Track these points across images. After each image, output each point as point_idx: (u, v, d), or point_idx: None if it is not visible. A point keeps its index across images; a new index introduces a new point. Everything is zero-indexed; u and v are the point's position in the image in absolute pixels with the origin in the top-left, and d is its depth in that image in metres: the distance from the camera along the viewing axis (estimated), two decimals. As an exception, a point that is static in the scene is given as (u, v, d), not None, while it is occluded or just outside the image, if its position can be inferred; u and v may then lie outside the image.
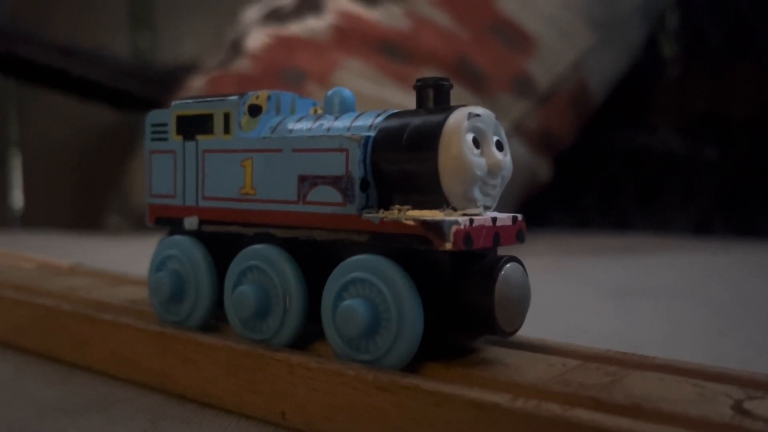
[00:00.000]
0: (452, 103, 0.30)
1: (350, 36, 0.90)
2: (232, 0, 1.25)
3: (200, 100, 0.34)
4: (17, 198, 1.66)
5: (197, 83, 1.00)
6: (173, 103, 0.34)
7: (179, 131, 0.34)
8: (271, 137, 0.31)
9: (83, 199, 1.53)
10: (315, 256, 0.29)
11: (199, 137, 0.33)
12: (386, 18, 0.91)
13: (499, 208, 0.29)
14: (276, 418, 0.28)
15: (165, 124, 0.34)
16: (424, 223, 0.26)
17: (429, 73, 0.87)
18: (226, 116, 0.32)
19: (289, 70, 0.91)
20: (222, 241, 0.32)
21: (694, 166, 1.08)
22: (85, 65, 1.21)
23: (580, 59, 0.93)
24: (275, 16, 0.99)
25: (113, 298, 0.39)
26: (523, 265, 0.28)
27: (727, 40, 1.08)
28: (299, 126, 0.31)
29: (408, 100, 0.88)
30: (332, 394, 0.27)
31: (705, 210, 1.06)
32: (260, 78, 0.92)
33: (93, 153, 1.57)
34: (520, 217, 0.29)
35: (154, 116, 0.35)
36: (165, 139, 0.34)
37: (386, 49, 0.89)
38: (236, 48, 0.99)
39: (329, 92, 0.32)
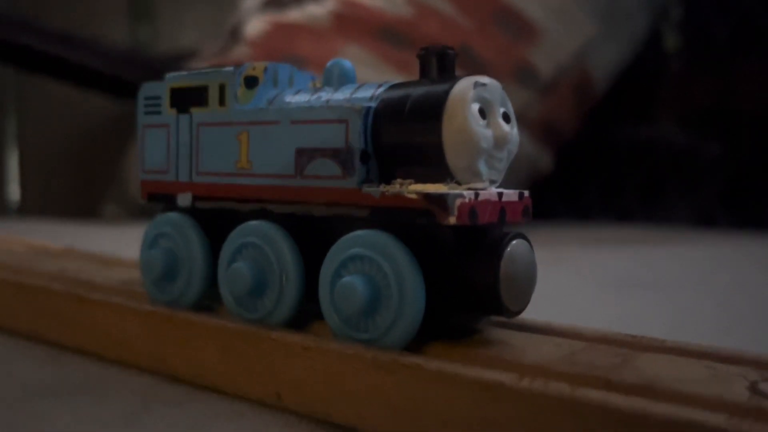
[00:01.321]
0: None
1: (351, 23, 0.89)
2: (233, -11, 1.24)
3: (195, 72, 0.32)
4: (14, 189, 1.65)
5: (196, 71, 1.00)
6: (167, 75, 0.33)
7: (173, 104, 0.33)
8: (268, 109, 0.30)
9: (81, 189, 1.52)
10: (313, 233, 0.28)
11: (194, 110, 0.32)
12: (388, 5, 0.90)
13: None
14: (271, 399, 0.27)
15: (158, 97, 0.33)
16: (428, 197, 0.25)
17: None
18: (222, 88, 0.31)
19: (289, 57, 0.90)
20: (216, 218, 0.31)
21: (697, 159, 1.07)
22: (84, 53, 1.20)
23: (583, 50, 0.92)
24: (275, 2, 0.98)
25: (105, 278, 0.38)
26: (529, 242, 0.26)
27: (732, 34, 1.07)
28: (297, 98, 0.30)
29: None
30: (330, 374, 0.26)
31: (708, 203, 1.05)
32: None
33: (91, 143, 1.56)
34: (526, 193, 0.28)
35: (147, 89, 0.34)
36: (158, 113, 0.33)
37: (387, 37, 0.88)
38: (235, 35, 0.98)
39: (328, 63, 0.31)
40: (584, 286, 0.59)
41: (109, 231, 0.85)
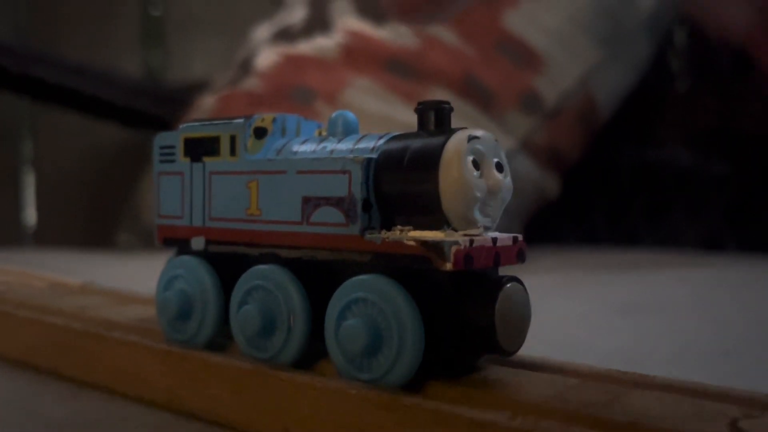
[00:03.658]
0: (459, 122, 0.30)
1: (359, 54, 0.91)
2: (243, 20, 1.27)
3: (207, 122, 0.34)
4: (30, 215, 1.68)
5: (207, 102, 1.02)
6: (180, 126, 0.35)
7: (187, 153, 0.34)
8: (276, 159, 0.32)
9: (95, 217, 1.54)
10: (318, 276, 0.30)
11: (206, 159, 0.34)
12: (394, 36, 0.92)
13: (508, 224, 0.29)
14: (280, 435, 0.29)
15: (173, 146, 0.35)
16: (425, 244, 0.26)
17: (437, 90, 0.88)
18: (233, 138, 0.33)
19: (298, 89, 0.92)
20: (228, 261, 0.33)
21: (703, 181, 1.08)
22: (97, 85, 1.23)
23: (586, 75, 0.94)
24: (285, 35, 1.00)
25: (122, 316, 0.39)
26: (523, 285, 0.28)
27: (735, 55, 1.08)
28: (303, 148, 0.32)
29: (416, 118, 0.88)
30: (335, 413, 0.27)
31: (714, 225, 1.06)
32: (269, 96, 0.93)
33: (105, 171, 1.59)
34: (520, 237, 0.29)
35: (162, 138, 0.36)
36: (173, 161, 0.35)
37: (394, 68, 0.90)
38: (246, 67, 1.00)
39: (333, 115, 0.33)
40: (590, 310, 0.60)
41: (124, 262, 0.87)
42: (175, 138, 0.35)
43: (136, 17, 1.60)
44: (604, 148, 1.09)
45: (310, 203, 0.30)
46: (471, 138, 0.28)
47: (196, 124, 0.35)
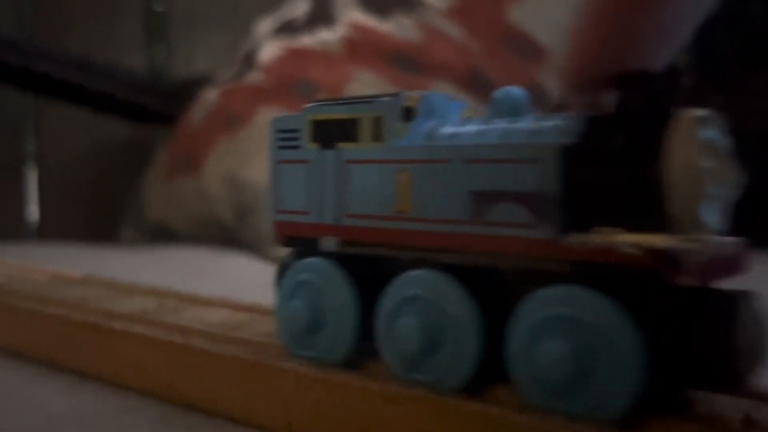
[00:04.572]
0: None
1: (362, 48, 0.91)
2: (247, 15, 1.26)
3: (340, 102, 0.29)
4: (33, 211, 1.68)
5: (211, 96, 1.01)
6: (306, 106, 0.30)
7: (316, 138, 0.29)
8: (436, 146, 0.27)
9: (98, 212, 1.54)
10: (493, 286, 0.25)
11: (341, 145, 0.29)
12: (398, 30, 0.91)
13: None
14: (283, 428, 0.28)
15: (296, 130, 0.30)
16: (654, 252, 0.21)
17: (441, 85, 0.87)
18: (377, 121, 0.28)
19: (302, 83, 0.91)
20: (368, 265, 0.28)
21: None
22: (101, 80, 1.22)
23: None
24: (288, 28, 0.99)
25: (123, 307, 0.39)
26: (761, 301, 0.23)
27: (741, 52, 1.07)
28: (464, 131, 0.27)
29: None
30: (339, 406, 0.27)
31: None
32: (273, 90, 0.93)
33: (108, 166, 1.59)
34: (743, 242, 0.24)
35: (281, 121, 0.31)
36: (296, 147, 0.30)
37: (398, 61, 0.89)
38: (249, 61, 1.00)
39: (498, 93, 0.28)
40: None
41: (127, 256, 0.87)
42: (299, 121, 0.30)
43: (139, 12, 1.60)
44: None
45: (482, 199, 0.24)
46: (701, 119, 0.23)
47: (326, 103, 0.29)
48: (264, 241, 0.82)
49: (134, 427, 0.30)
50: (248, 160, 0.89)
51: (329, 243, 0.29)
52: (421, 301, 0.26)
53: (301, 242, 0.30)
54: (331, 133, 0.29)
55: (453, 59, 0.88)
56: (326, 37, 0.94)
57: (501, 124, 0.26)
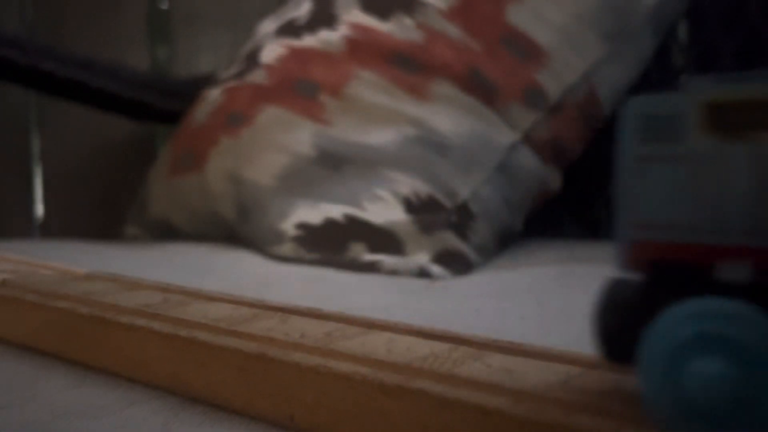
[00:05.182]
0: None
1: (363, 48, 0.91)
2: (250, 14, 1.27)
3: (757, 80, 0.22)
4: (38, 209, 1.69)
5: (213, 94, 1.02)
6: (693, 83, 0.23)
7: (714, 127, 0.22)
8: None
9: (102, 210, 1.55)
10: None
11: (759, 137, 0.21)
12: (399, 30, 0.92)
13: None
14: (285, 421, 0.29)
15: (674, 117, 0.23)
16: None
17: (441, 84, 0.88)
18: None
19: (303, 82, 0.92)
20: None
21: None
22: (104, 78, 1.23)
23: (590, 70, 0.93)
24: (290, 28, 1.00)
25: (128, 301, 0.40)
26: None
27: (739, 51, 1.08)
28: None
29: (422, 112, 0.89)
30: (339, 399, 0.27)
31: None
32: (275, 89, 0.93)
33: (112, 164, 1.60)
34: None
35: (647, 104, 0.23)
36: (673, 140, 0.23)
37: (399, 61, 0.90)
38: (252, 59, 1.00)
39: None
40: (590, 303, 0.60)
41: (131, 254, 0.88)
42: (680, 104, 0.22)
43: (143, 11, 1.60)
44: (606, 143, 1.09)
45: None
46: None
47: (727, 83, 0.22)
48: (265, 238, 0.83)
49: (139, 420, 0.30)
50: (251, 158, 0.89)
51: (737, 271, 0.21)
52: None
53: (681, 268, 0.22)
54: (745, 121, 0.21)
55: (453, 59, 0.89)
56: (328, 36, 0.94)
57: None
